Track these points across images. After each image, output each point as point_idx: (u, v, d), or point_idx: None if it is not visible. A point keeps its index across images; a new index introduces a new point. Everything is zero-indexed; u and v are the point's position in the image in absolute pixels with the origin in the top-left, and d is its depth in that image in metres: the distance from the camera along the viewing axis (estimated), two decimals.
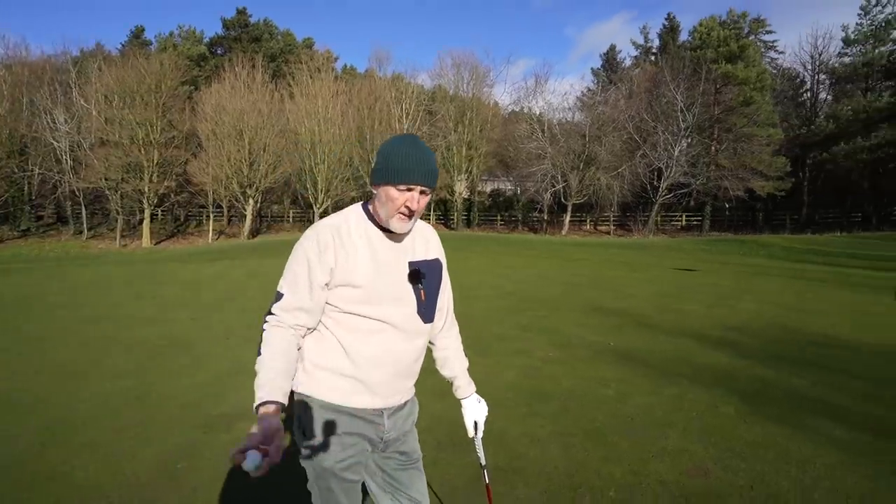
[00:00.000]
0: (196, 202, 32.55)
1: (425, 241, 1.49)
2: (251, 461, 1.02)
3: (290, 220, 35.41)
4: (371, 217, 1.41)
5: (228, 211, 33.14)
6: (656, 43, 41.69)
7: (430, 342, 1.59)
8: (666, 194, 30.04)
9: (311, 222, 31.97)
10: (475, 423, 1.59)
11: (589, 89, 38.91)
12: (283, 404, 1.22)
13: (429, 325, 1.46)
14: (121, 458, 2.83)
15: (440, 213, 37.29)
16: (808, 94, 36.56)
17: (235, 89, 28.96)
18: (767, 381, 4.17)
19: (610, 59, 44.74)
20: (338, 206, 34.45)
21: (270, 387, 1.23)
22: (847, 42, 32.96)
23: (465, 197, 35.66)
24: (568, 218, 32.71)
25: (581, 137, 30.76)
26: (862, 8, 32.32)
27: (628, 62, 43.38)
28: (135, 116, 27.57)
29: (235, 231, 31.42)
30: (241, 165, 28.30)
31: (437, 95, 36.22)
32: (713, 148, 30.15)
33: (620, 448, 2.94)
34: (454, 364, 1.60)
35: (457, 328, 1.63)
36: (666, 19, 41.15)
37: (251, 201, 29.13)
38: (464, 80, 35.72)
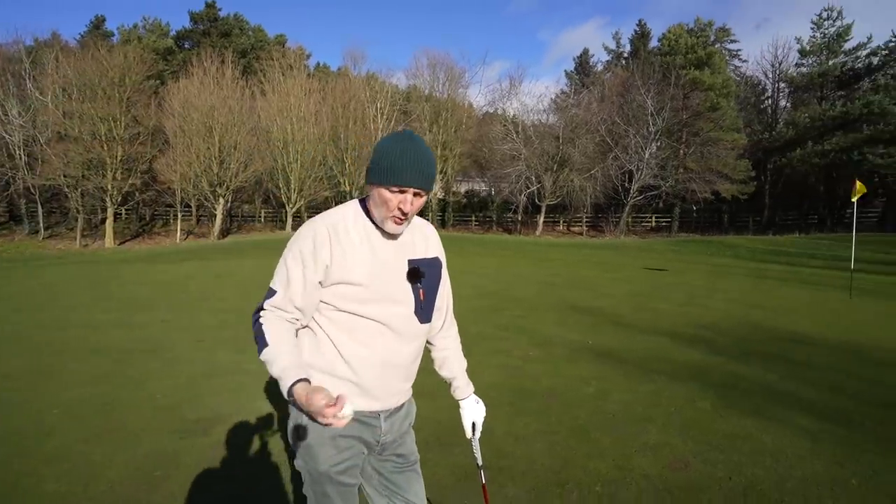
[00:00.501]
0: (163, 201, 31.48)
1: (425, 239, 1.46)
2: (347, 408, 1.08)
3: (262, 219, 34.66)
4: (369, 213, 1.37)
5: (197, 210, 32.18)
6: (628, 48, 42.72)
7: (428, 342, 1.56)
8: (637, 196, 30.80)
9: (283, 222, 31.37)
10: (473, 424, 1.57)
11: (563, 92, 39.55)
12: (309, 380, 1.21)
13: (427, 326, 1.43)
14: (93, 467, 2.70)
15: None
16: (769, 102, 38.16)
17: (204, 85, 28.14)
18: (740, 376, 4.32)
19: (583, 63, 45.55)
20: (311, 206, 33.91)
21: (295, 369, 1.22)
22: (803, 53, 34.50)
23: (440, 197, 35.67)
24: (542, 219, 33.14)
25: (555, 139, 31.21)
26: (814, 22, 33.98)
27: (600, 66, 44.30)
28: (96, 111, 26.43)
29: (205, 231, 30.56)
30: (211, 163, 27.53)
31: (412, 95, 36.12)
32: (681, 151, 31.11)
33: (603, 444, 2.98)
34: (453, 365, 1.57)
35: (456, 328, 1.61)
36: (637, 26, 42.19)
37: (221, 200, 28.37)
38: (439, 81, 35.78)
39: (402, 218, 1.29)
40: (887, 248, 19.41)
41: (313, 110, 29.19)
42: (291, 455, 2.77)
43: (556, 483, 2.54)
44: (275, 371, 1.22)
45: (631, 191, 30.41)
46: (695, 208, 34.63)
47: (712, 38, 34.86)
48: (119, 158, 27.40)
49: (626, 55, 41.84)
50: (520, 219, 33.98)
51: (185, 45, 41.70)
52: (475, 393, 1.60)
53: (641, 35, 41.29)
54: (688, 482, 2.56)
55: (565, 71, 47.59)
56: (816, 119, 31.48)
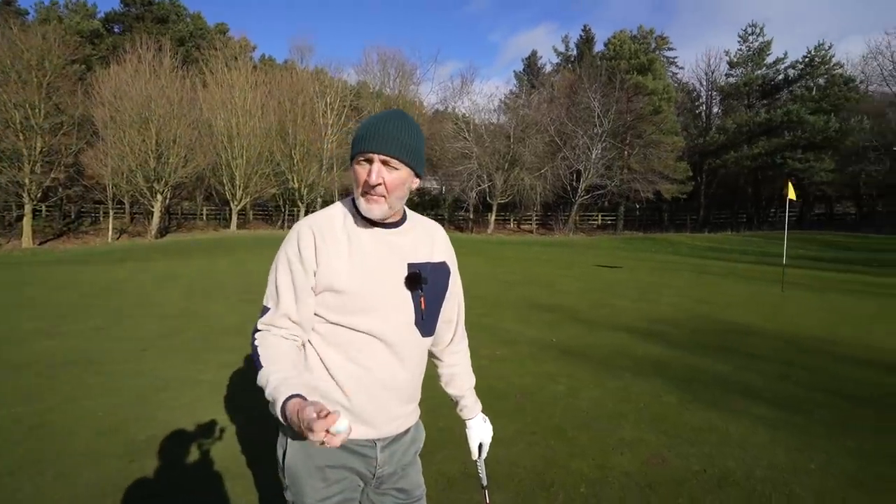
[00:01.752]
0: (91, 197, 29.02)
1: (430, 241, 1.30)
2: (342, 423, 0.90)
3: (204, 217, 32.84)
4: (359, 209, 1.20)
5: (131, 207, 29.98)
6: (574, 52, 44.02)
7: (436, 357, 1.43)
8: (584, 195, 31.84)
9: (227, 220, 29.88)
10: (480, 445, 1.46)
11: (512, 92, 40.24)
12: (304, 397, 1.00)
13: (428, 340, 1.27)
14: (24, 501, 2.38)
15: None
16: (703, 108, 40.72)
17: (139, 73, 26.20)
18: (697, 369, 4.50)
19: (532, 64, 46.53)
20: (257, 204, 32.57)
21: (287, 386, 1.02)
22: (731, 64, 37.30)
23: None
24: (493, 217, 33.55)
25: (506, 139, 31.66)
26: (741, 36, 36.81)
27: (549, 68, 45.42)
28: (9, 97, 23.94)
29: (140, 230, 28.53)
30: (148, 157, 25.69)
31: (362, 91, 35.48)
32: (626, 153, 32.47)
33: (582, 442, 2.99)
34: (462, 382, 1.43)
35: (466, 342, 1.47)
36: (582, 30, 43.58)
37: (159, 197, 26.57)
38: (390, 77, 35.37)
39: (374, 194, 1.14)
40: (806, 245, 21.20)
41: (259, 104, 27.96)
42: (265, 477, 2.57)
43: (540, 486, 2.51)
44: (267, 393, 1.05)
45: (579, 190, 31.40)
46: (638, 207, 36.31)
47: (653, 45, 36.65)
48: (39, 150, 24.98)
49: (573, 58, 43.13)
50: (471, 217, 34.26)
51: (115, 30, 38.73)
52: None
53: (587, 39, 42.69)
54: (667, 477, 2.60)
55: (514, 72, 48.41)
56: (744, 125, 33.95)
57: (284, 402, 0.99)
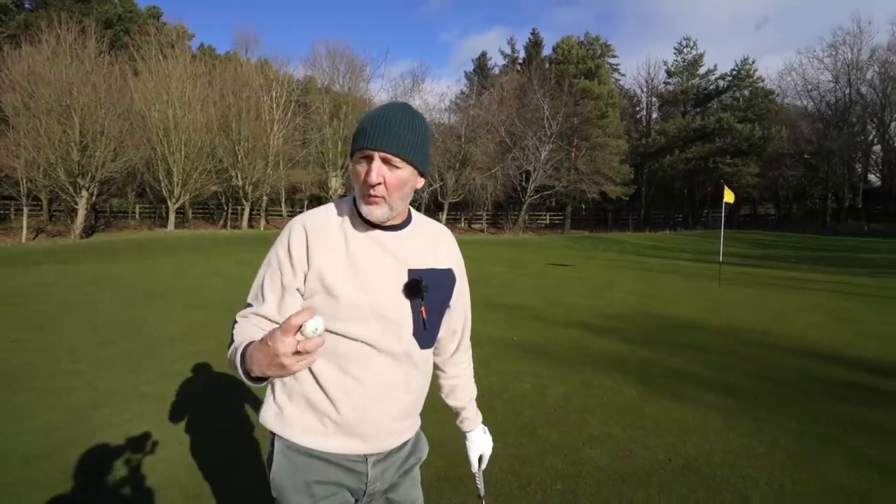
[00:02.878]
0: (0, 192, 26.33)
1: (434, 246, 1.22)
2: (315, 320, 0.81)
3: (137, 216, 30.70)
4: (360, 211, 1.13)
5: (50, 204, 27.47)
6: (522, 54, 45.04)
7: (438, 368, 1.36)
8: (533, 195, 32.65)
9: (164, 219, 28.07)
10: (480, 457, 1.41)
11: (463, 92, 40.56)
12: None
13: (428, 352, 1.20)
14: None
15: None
16: (644, 113, 42.96)
17: (59, 56, 23.95)
18: (651, 362, 4.69)
19: (482, 65, 47.10)
20: (197, 202, 30.82)
21: (247, 339, 0.99)
22: (669, 73, 39.79)
23: (341, 194, 34.60)
24: (445, 216, 33.68)
25: (457, 138, 31.87)
26: (676, 48, 39.43)
27: (498, 70, 46.14)
28: None
29: (61, 229, 26.19)
30: (70, 150, 23.58)
31: (310, 87, 34.49)
32: (573, 154, 33.62)
33: (553, 440, 3.02)
34: (464, 394, 1.38)
35: (470, 353, 1.42)
36: (531, 34, 44.63)
37: (84, 193, 24.50)
38: (339, 73, 34.57)
39: (374, 195, 1.06)
40: (735, 244, 22.81)
41: (199, 96, 26.44)
42: (227, 493, 2.39)
43: (517, 485, 2.50)
44: (229, 356, 1.01)
45: (528, 190, 32.16)
46: (584, 207, 37.70)
47: (598, 52, 38.19)
48: None
49: (520, 60, 44.08)
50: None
51: (26, 5, 35.30)
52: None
53: (535, 43, 43.76)
54: (636, 469, 2.67)
55: (465, 72, 48.97)
56: (681, 131, 36.15)
57: (244, 351, 0.95)
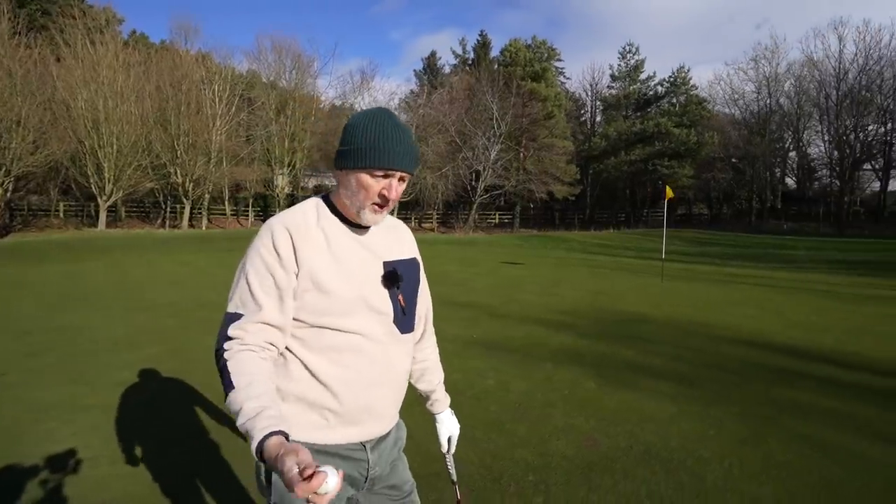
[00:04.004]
0: None
1: (398, 239, 1.31)
2: (331, 481, 0.81)
3: (62, 214, 28.28)
4: (335, 210, 1.19)
5: None
6: (472, 55, 45.50)
7: None
8: (483, 195, 33.12)
9: (93, 217, 26.06)
10: (449, 439, 1.47)
11: (413, 92, 40.43)
12: (286, 434, 0.91)
13: (409, 336, 1.28)
14: None
15: (259, 208, 34.10)
16: (588, 115, 44.63)
17: None
18: (606, 355, 4.91)
19: (431, 65, 47.14)
20: (131, 199, 28.82)
21: (266, 417, 0.93)
22: (613, 78, 41.53)
23: (288, 192, 33.54)
24: (395, 215, 33.38)
25: None
26: (620, 53, 41.24)
27: (448, 69, 46.36)
28: None
29: None
30: None
31: (255, 81, 33.17)
32: (521, 154, 34.38)
33: (520, 433, 3.11)
34: (433, 377, 1.46)
35: (434, 337, 1.50)
36: (479, 35, 45.17)
37: None
38: (286, 68, 33.47)
39: (383, 206, 1.15)
40: (674, 241, 24.22)
41: (133, 86, 24.74)
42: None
43: (490, 479, 2.56)
44: (240, 422, 0.95)
45: (478, 189, 32.58)
46: (532, 206, 38.67)
47: (545, 55, 39.25)
48: None
49: (469, 61, 44.55)
50: None
51: None
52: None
53: (483, 44, 44.36)
54: (601, 457, 2.80)
55: (414, 71, 48.75)
56: (623, 133, 37.88)
57: (262, 441, 0.90)
